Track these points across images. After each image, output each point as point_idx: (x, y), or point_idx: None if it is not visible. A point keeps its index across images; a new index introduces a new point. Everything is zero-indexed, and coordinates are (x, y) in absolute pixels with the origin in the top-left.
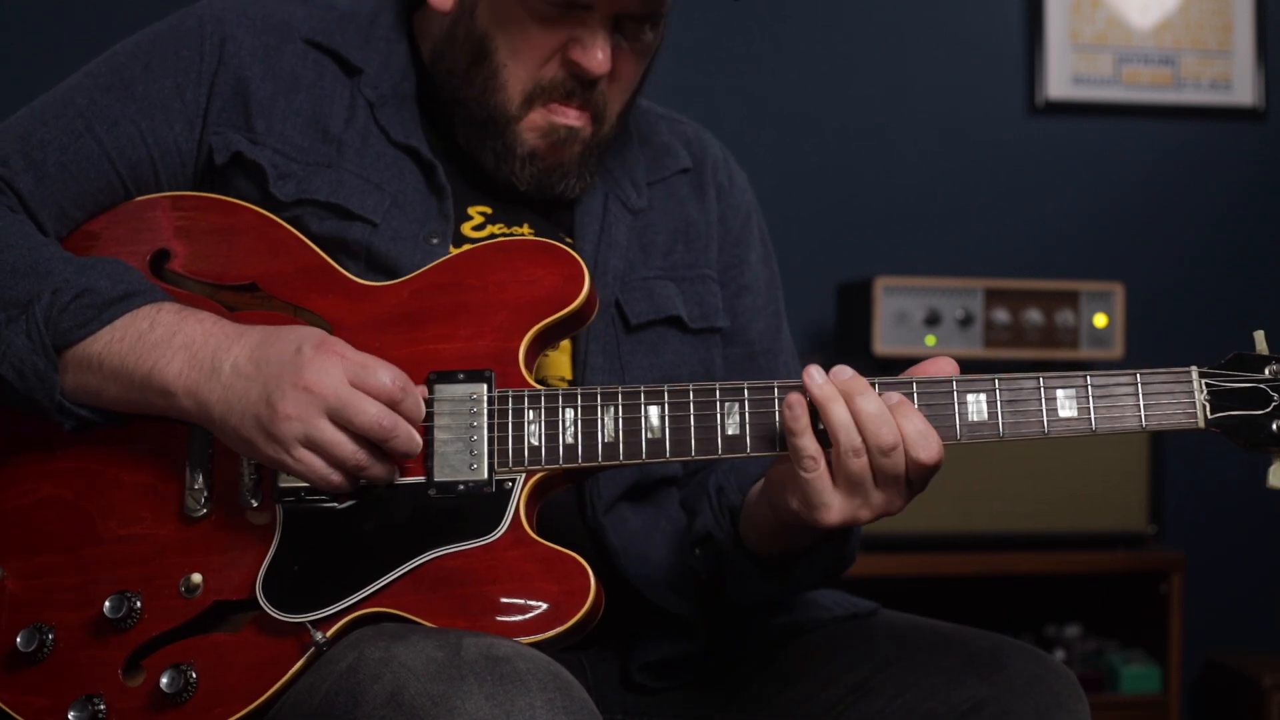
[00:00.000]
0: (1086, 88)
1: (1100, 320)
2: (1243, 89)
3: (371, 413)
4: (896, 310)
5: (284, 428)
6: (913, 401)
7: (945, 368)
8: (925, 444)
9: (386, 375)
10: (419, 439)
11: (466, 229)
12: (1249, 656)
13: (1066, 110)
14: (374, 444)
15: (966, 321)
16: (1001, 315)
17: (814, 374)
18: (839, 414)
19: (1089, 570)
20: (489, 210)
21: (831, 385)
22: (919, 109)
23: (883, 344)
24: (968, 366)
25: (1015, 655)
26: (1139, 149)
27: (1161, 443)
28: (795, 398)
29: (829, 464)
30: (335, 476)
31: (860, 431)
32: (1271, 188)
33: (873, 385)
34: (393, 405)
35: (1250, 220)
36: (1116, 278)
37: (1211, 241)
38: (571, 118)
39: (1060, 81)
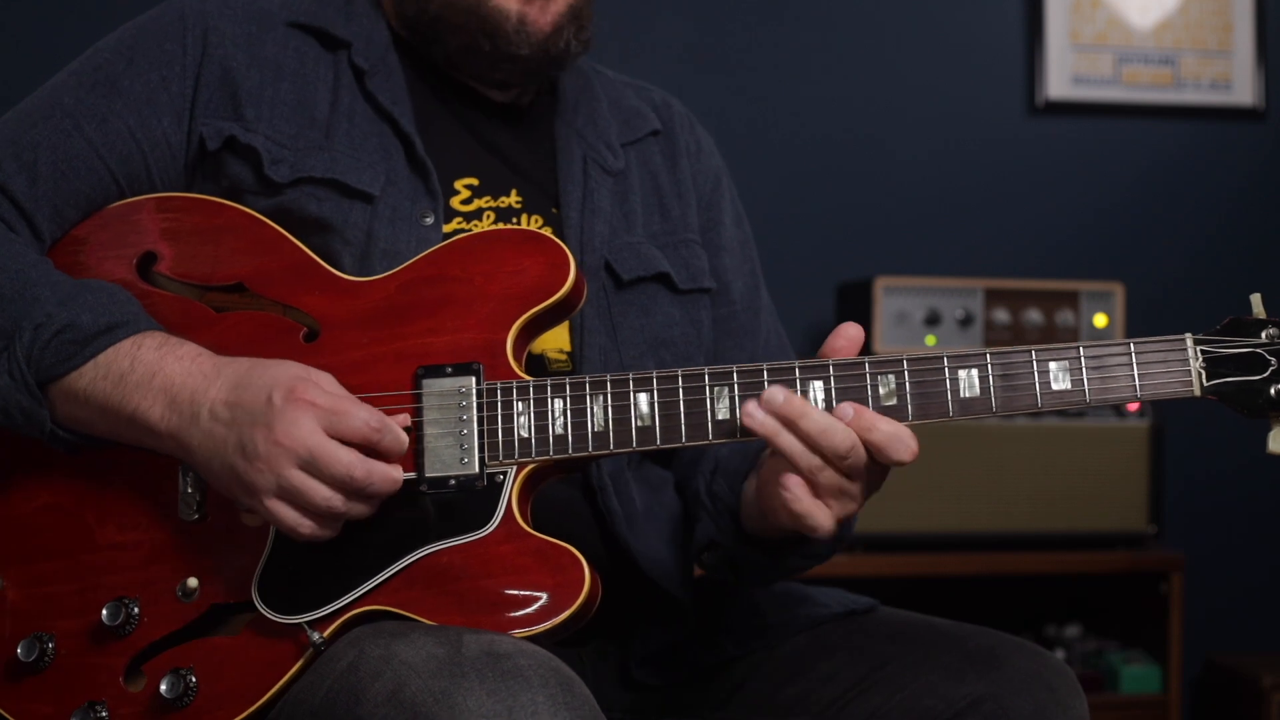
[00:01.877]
0: (1086, 88)
1: (1100, 320)
2: (1243, 89)
3: (344, 463)
4: (896, 310)
5: (256, 480)
6: (905, 380)
7: (851, 333)
8: (901, 445)
9: (361, 418)
10: (397, 477)
11: (455, 203)
12: (1249, 656)
13: (1066, 110)
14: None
15: (966, 321)
16: (1001, 315)
17: (753, 411)
18: (788, 442)
19: (1089, 570)
20: (475, 182)
21: (772, 419)
22: (919, 109)
23: (883, 344)
24: None
25: (1013, 652)
26: (1139, 149)
27: (1161, 442)
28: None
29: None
30: (304, 527)
31: (815, 450)
32: (1271, 188)
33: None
34: (372, 446)
35: (1250, 220)
36: (1116, 278)
37: (1211, 241)
38: None
39: (1060, 81)
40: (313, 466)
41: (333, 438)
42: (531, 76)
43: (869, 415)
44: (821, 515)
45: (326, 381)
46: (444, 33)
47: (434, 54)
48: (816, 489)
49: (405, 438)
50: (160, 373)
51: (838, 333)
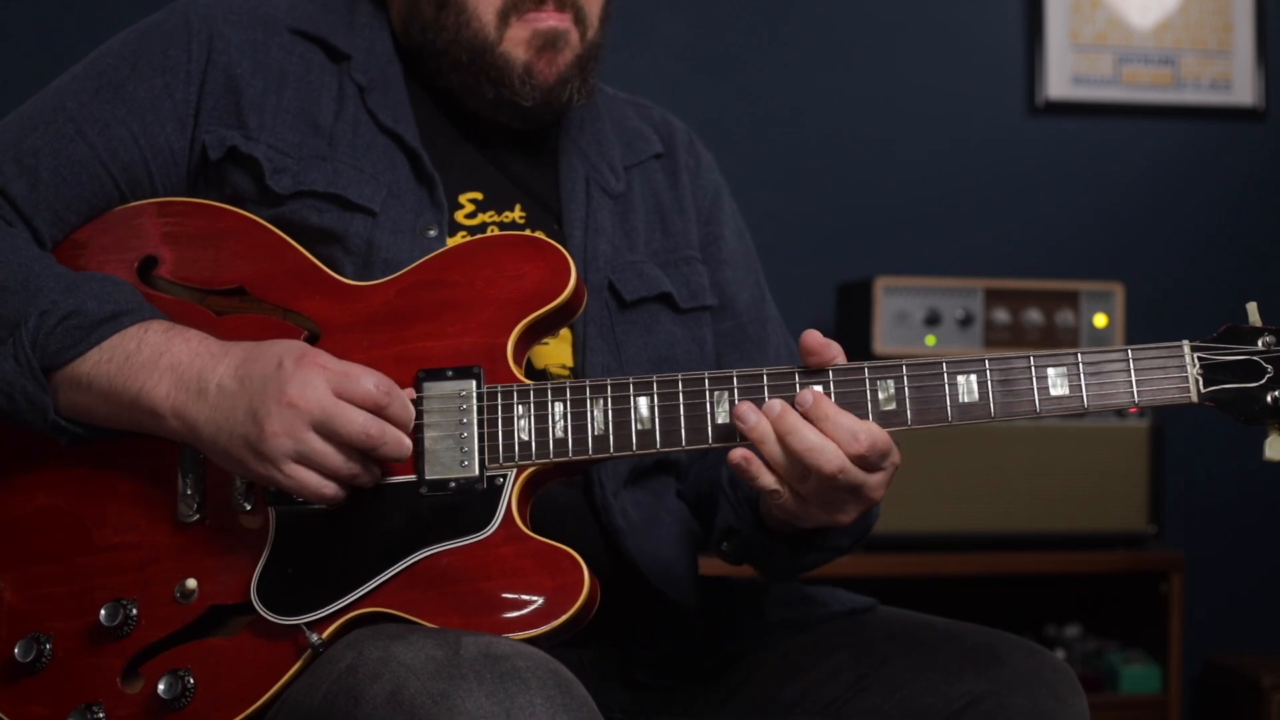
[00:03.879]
0: (1086, 88)
1: (1100, 320)
2: (1243, 89)
3: (359, 422)
4: (896, 310)
5: (272, 445)
6: (904, 385)
7: (811, 344)
8: (854, 440)
9: (370, 382)
10: (408, 443)
11: (459, 217)
12: (1249, 656)
13: (1066, 110)
14: (364, 453)
15: (966, 321)
16: (1001, 315)
17: (746, 415)
18: (773, 452)
19: (1089, 570)
20: (480, 196)
21: (765, 423)
22: (919, 109)
23: (883, 344)
24: None
25: (1012, 650)
26: (1139, 149)
27: (1161, 442)
28: (739, 454)
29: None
30: (328, 489)
31: (803, 465)
32: (1271, 188)
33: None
34: (378, 411)
35: (1250, 220)
36: (1116, 278)
37: (1211, 241)
38: (551, 19)
39: (1060, 81)
40: (327, 427)
41: (342, 399)
42: (532, 121)
43: (792, 418)
44: (813, 514)
45: (332, 357)
46: (447, 69)
47: (438, 81)
48: (798, 497)
49: (411, 409)
50: (167, 353)
51: (807, 350)
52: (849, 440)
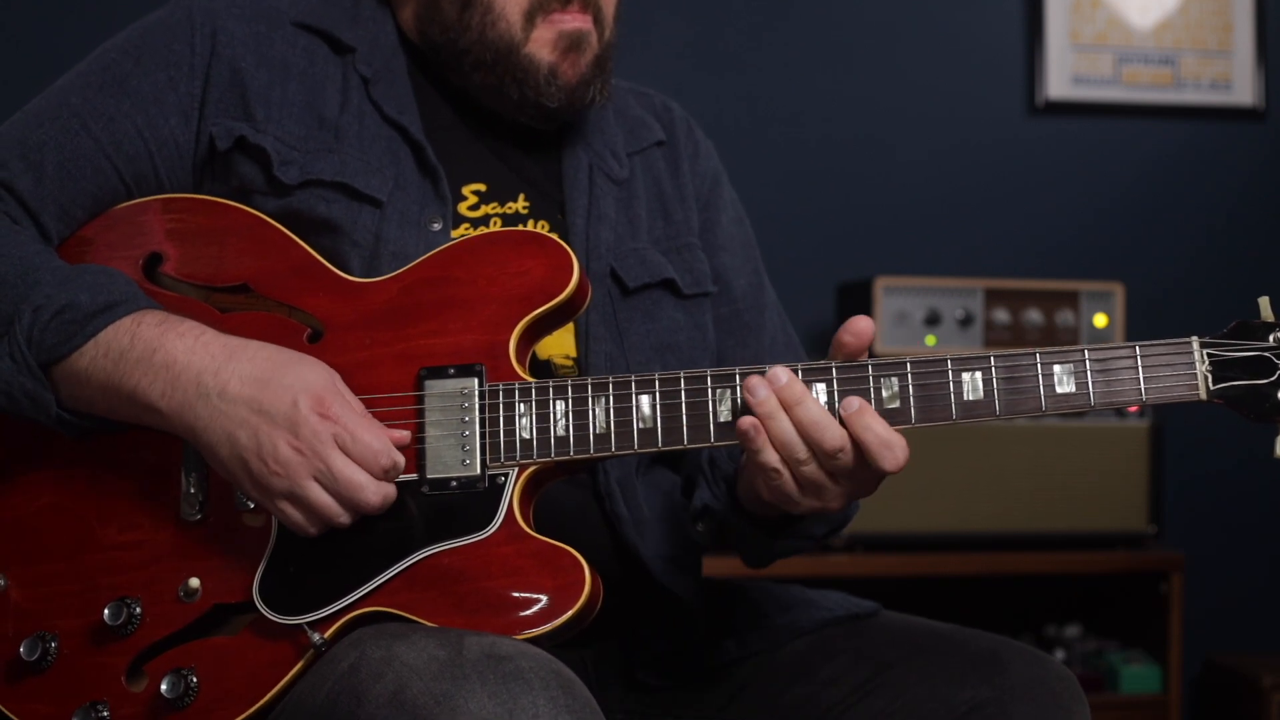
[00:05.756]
0: (1086, 88)
1: (1100, 320)
2: (1243, 89)
3: (366, 490)
4: (896, 310)
5: (273, 482)
6: (908, 383)
7: (858, 327)
8: (890, 454)
9: (373, 450)
10: (394, 494)
11: (462, 209)
12: (1249, 656)
13: (1066, 110)
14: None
15: (966, 321)
16: (1001, 315)
17: (756, 389)
18: (780, 429)
19: (1089, 570)
20: (483, 188)
21: (773, 398)
22: (919, 109)
23: (883, 344)
24: None
25: (1016, 657)
26: (1139, 149)
27: (1161, 442)
28: (747, 420)
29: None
30: (313, 529)
31: (804, 440)
32: (1271, 188)
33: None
34: (373, 475)
35: (1250, 220)
36: (1116, 278)
37: (1211, 241)
38: (577, 20)
39: (1060, 81)
40: (333, 487)
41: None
42: (554, 121)
43: (869, 415)
44: (804, 502)
45: (351, 397)
46: (470, 68)
47: (452, 78)
48: (795, 480)
49: (402, 464)
50: (161, 349)
51: (845, 328)
52: (887, 458)
